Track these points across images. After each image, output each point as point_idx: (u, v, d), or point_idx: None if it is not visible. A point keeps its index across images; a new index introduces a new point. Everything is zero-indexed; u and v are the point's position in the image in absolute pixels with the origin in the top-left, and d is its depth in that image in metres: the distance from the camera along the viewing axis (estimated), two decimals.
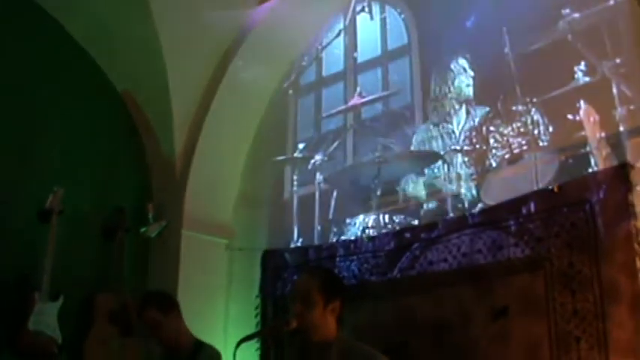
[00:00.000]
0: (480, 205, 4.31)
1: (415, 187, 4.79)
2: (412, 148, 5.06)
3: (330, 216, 5.11)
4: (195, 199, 5.77)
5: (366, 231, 4.72)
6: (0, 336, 4.83)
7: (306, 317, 3.18)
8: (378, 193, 4.67)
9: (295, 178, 5.42)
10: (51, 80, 5.68)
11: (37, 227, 5.20)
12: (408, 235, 4.30)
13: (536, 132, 4.18)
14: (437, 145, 4.90)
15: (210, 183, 5.84)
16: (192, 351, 4.01)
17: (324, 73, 6.36)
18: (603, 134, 3.95)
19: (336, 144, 5.30)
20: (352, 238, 4.73)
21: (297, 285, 3.32)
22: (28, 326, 4.90)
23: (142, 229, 5.61)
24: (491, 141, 4.41)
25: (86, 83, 5.89)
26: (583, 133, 4.02)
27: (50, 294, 5.02)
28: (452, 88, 4.91)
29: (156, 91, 5.82)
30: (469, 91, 4.89)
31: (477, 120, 4.74)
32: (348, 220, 4.95)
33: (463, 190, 4.53)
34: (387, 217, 4.68)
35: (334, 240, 4.90)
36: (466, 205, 4.48)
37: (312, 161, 5.18)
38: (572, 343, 3.41)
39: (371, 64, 6.08)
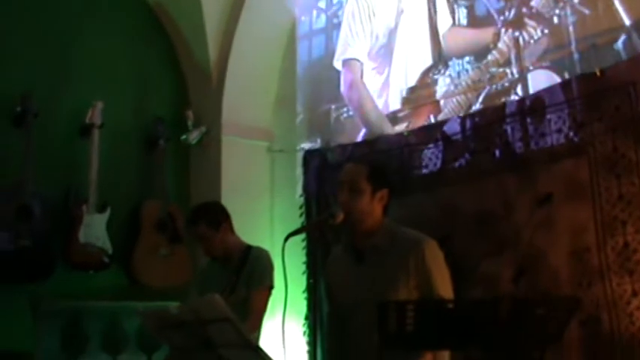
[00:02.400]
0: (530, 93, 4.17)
1: (459, 75, 4.63)
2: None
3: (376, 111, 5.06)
4: (233, 104, 5.72)
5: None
6: (54, 249, 4.95)
7: (353, 206, 3.19)
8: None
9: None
10: None
11: (80, 141, 5.27)
12: (450, 126, 4.25)
13: (586, 12, 3.97)
14: None
15: (247, 87, 5.78)
16: (243, 256, 4.09)
17: None
18: None
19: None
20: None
21: (345, 174, 3.31)
22: (79, 239, 5.02)
23: (183, 137, 5.64)
24: (538, 29, 4.20)
25: None
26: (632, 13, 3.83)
27: (97, 206, 5.12)
28: None
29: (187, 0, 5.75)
30: None
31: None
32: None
33: (508, 76, 4.36)
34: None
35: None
36: (512, 93, 4.33)
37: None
38: (618, 227, 3.38)
39: None
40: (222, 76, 5.72)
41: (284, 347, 3.10)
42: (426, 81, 4.72)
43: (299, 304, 4.76)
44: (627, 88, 3.42)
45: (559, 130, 3.69)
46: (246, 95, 5.78)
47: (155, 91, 5.88)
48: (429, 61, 4.75)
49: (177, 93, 5.97)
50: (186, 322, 3.18)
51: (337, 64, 5.33)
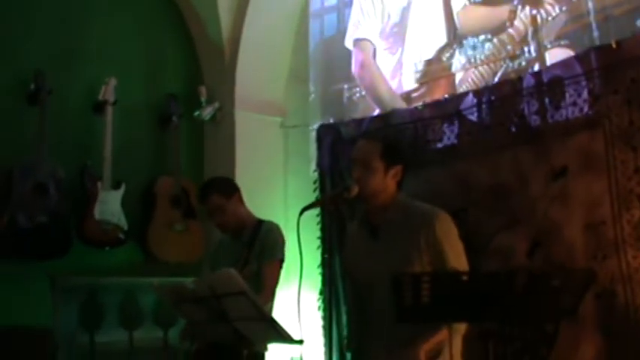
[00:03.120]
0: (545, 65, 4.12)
1: (475, 48, 4.58)
2: None
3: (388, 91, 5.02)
4: (246, 80, 5.71)
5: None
6: (70, 226, 4.98)
7: (366, 183, 3.18)
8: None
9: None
10: None
11: (93, 118, 5.28)
12: (465, 99, 4.22)
13: None
14: None
15: (260, 62, 5.77)
16: (254, 230, 4.11)
17: None
18: None
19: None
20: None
21: (357, 151, 3.29)
22: (94, 215, 5.04)
23: (196, 113, 5.64)
24: (557, 7, 4.12)
25: None
26: None
27: (112, 183, 5.13)
28: None
29: None
30: None
31: None
32: None
33: (525, 54, 4.31)
34: None
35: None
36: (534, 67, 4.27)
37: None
38: (633, 200, 3.36)
39: None
40: (234, 52, 5.71)
41: (300, 323, 3.11)
42: (441, 58, 4.68)
43: (313, 279, 4.77)
44: None
45: (574, 103, 3.66)
46: (259, 71, 5.77)
47: (168, 68, 5.88)
48: (443, 41, 4.70)
49: (190, 69, 5.96)
50: (202, 297, 3.20)
51: (348, 43, 5.28)
